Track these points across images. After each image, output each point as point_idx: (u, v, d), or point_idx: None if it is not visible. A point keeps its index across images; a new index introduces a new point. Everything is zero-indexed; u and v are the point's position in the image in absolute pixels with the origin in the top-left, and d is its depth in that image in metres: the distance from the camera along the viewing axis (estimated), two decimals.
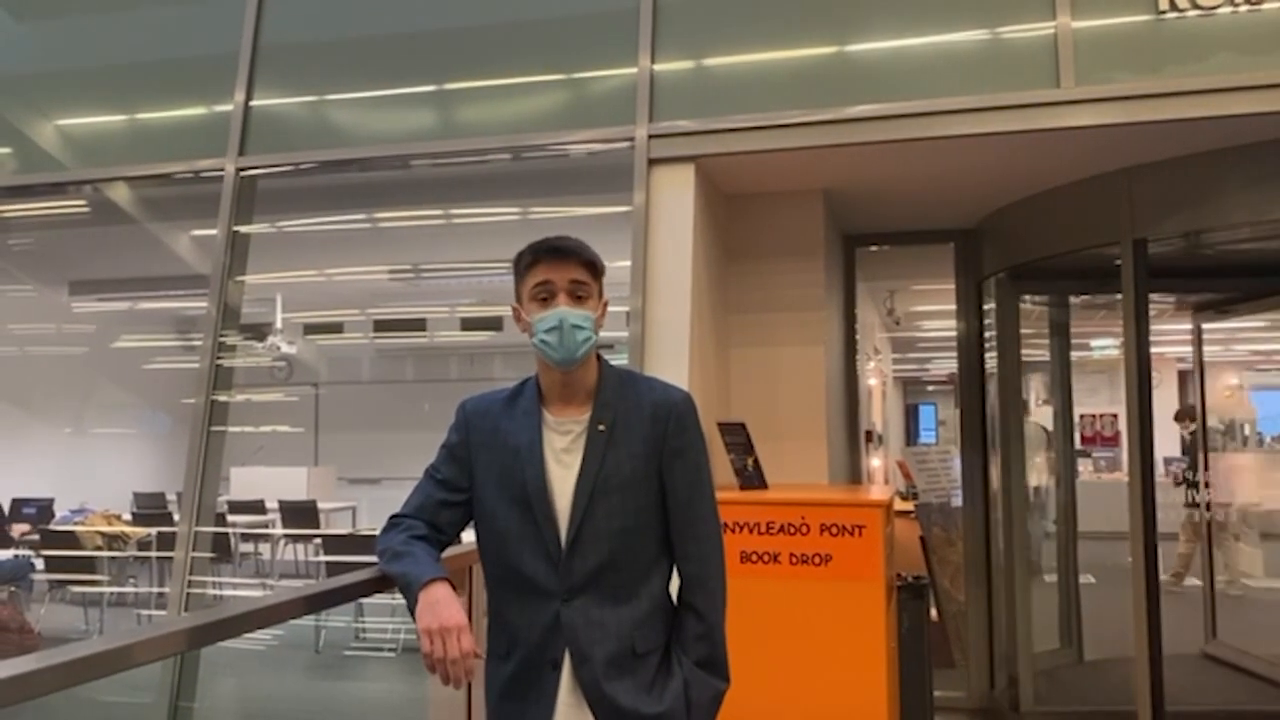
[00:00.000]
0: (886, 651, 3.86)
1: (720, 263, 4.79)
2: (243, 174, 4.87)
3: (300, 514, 9.55)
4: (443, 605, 1.96)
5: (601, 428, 2.11)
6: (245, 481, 11.39)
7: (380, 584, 2.22)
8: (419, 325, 12.05)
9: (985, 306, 5.75)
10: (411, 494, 2.26)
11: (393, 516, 2.23)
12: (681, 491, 2.14)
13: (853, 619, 3.82)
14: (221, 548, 8.90)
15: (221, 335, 4.71)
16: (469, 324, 12.13)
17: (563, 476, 2.10)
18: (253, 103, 4.97)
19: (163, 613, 7.92)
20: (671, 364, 4.22)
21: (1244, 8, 3.90)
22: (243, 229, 4.86)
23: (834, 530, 3.87)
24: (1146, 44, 3.99)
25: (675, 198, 4.34)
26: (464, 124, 4.83)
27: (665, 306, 4.26)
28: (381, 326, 11.95)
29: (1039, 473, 6.67)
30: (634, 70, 4.47)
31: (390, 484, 12.70)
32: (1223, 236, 4.64)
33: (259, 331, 10.68)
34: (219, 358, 4.68)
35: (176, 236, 7.08)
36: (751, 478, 4.23)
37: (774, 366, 4.80)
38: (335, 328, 12.02)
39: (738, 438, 4.27)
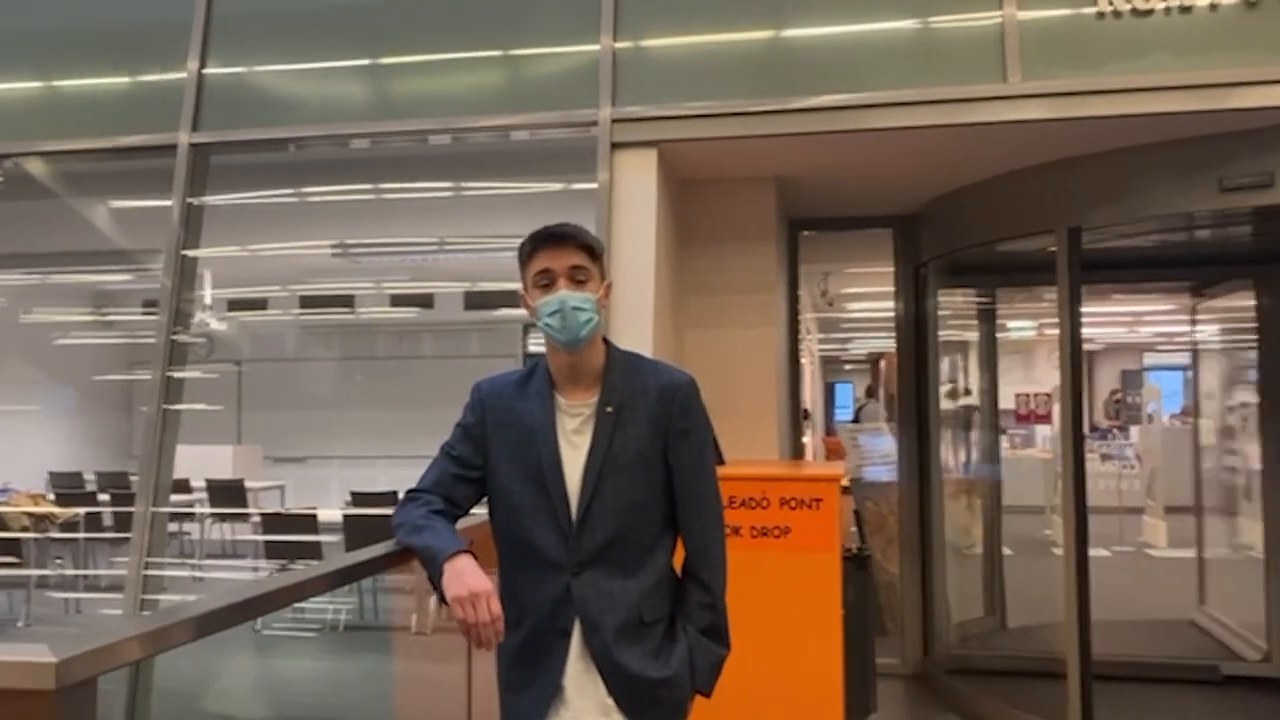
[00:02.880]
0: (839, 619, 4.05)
1: (676, 245, 4.91)
2: (196, 147, 4.81)
3: (228, 493, 9.42)
4: (469, 574, 2.05)
5: (609, 410, 2.22)
6: None
7: (401, 557, 2.30)
8: (347, 302, 11.93)
9: (923, 289, 5.99)
10: (428, 469, 2.34)
11: (410, 491, 2.32)
12: (686, 471, 2.26)
13: (810, 588, 4.00)
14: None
15: (180, 309, 4.67)
16: (399, 301, 12.05)
17: (573, 456, 2.21)
18: (206, 70, 4.90)
19: (100, 595, 7.78)
20: (635, 345, 4.27)
21: (1175, 11, 4.15)
22: (196, 201, 4.82)
23: (793, 504, 4.04)
24: (1088, 42, 4.21)
25: (638, 182, 4.43)
26: (426, 101, 4.84)
27: (629, 288, 4.36)
28: (309, 303, 11.79)
29: (967, 449, 6.98)
30: (596, 48, 4.54)
31: (316, 463, 12.57)
32: (1147, 227, 4.92)
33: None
34: (174, 333, 4.64)
35: (95, 210, 6.92)
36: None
37: (728, 347, 4.94)
38: (260, 304, 11.82)
39: None
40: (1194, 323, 8.47)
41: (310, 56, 4.95)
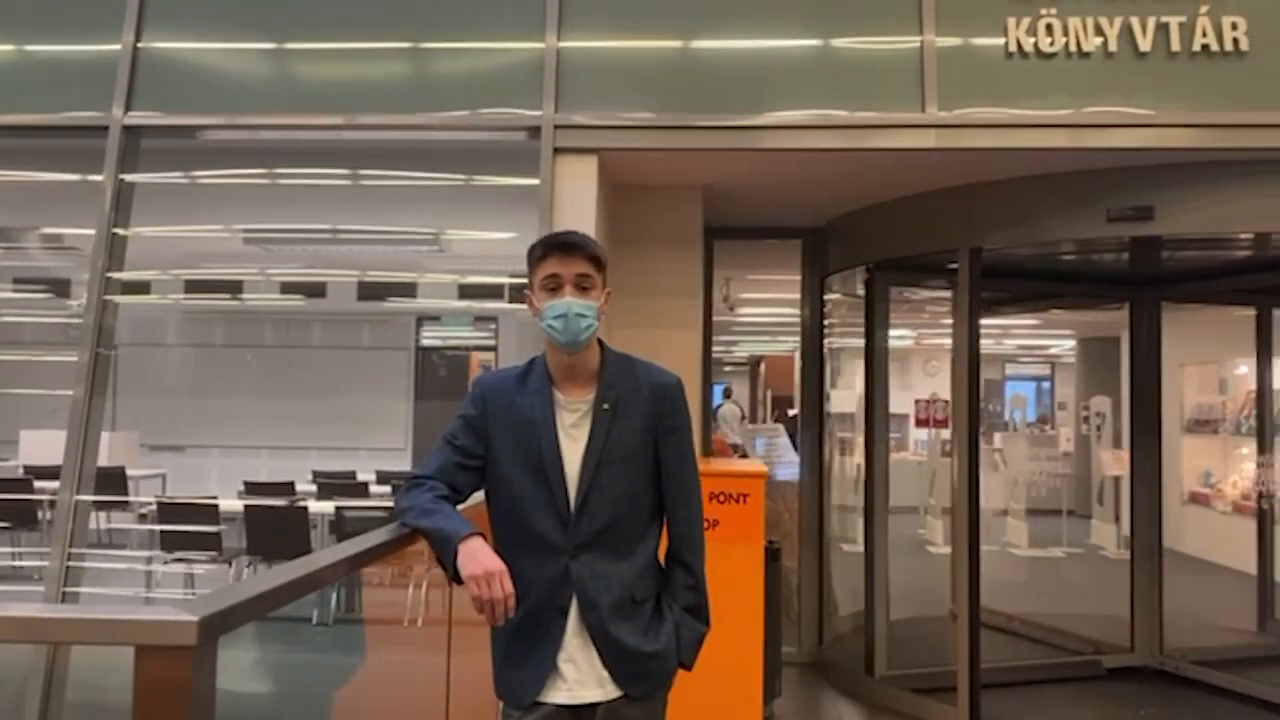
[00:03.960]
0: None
1: (607, 247, 5.10)
2: (128, 129, 4.76)
3: (108, 480, 9.14)
4: (483, 554, 2.22)
5: (606, 406, 2.42)
6: (37, 445, 10.74)
7: (410, 540, 2.44)
8: (235, 288, 11.68)
9: (826, 298, 6.35)
10: (430, 458, 2.49)
11: (414, 477, 2.46)
12: (674, 463, 2.48)
13: (737, 578, 4.26)
14: (29, 516, 8.47)
15: (106, 294, 4.62)
16: (289, 288, 11.84)
17: (572, 448, 2.40)
18: (140, 45, 4.85)
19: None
20: None
21: (1075, 56, 4.57)
22: (129, 178, 4.78)
23: (722, 498, 4.30)
24: (998, 79, 4.60)
25: (579, 186, 4.62)
26: (373, 93, 4.89)
27: None
28: (194, 288, 11.49)
29: (857, 451, 7.38)
30: (540, 45, 4.68)
31: (196, 451, 12.26)
32: (1040, 250, 5.36)
33: (61, 288, 10.10)
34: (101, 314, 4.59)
35: None
36: None
37: (655, 348, 5.13)
38: (142, 288, 11.46)
39: None
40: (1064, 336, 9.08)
41: (246, 40, 4.94)
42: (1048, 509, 11.54)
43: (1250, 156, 4.53)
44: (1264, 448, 7.20)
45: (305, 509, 7.13)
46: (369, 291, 11.64)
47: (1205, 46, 4.50)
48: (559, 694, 2.34)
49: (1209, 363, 10.94)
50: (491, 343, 13.00)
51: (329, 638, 7.03)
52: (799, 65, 4.75)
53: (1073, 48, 4.56)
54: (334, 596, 7.25)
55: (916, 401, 5.82)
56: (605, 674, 2.35)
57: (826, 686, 5.98)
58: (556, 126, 4.62)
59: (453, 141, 4.94)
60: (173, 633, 1.36)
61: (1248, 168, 4.55)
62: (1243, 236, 4.95)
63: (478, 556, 2.21)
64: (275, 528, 7.17)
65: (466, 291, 11.61)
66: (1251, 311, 7.09)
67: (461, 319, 13.04)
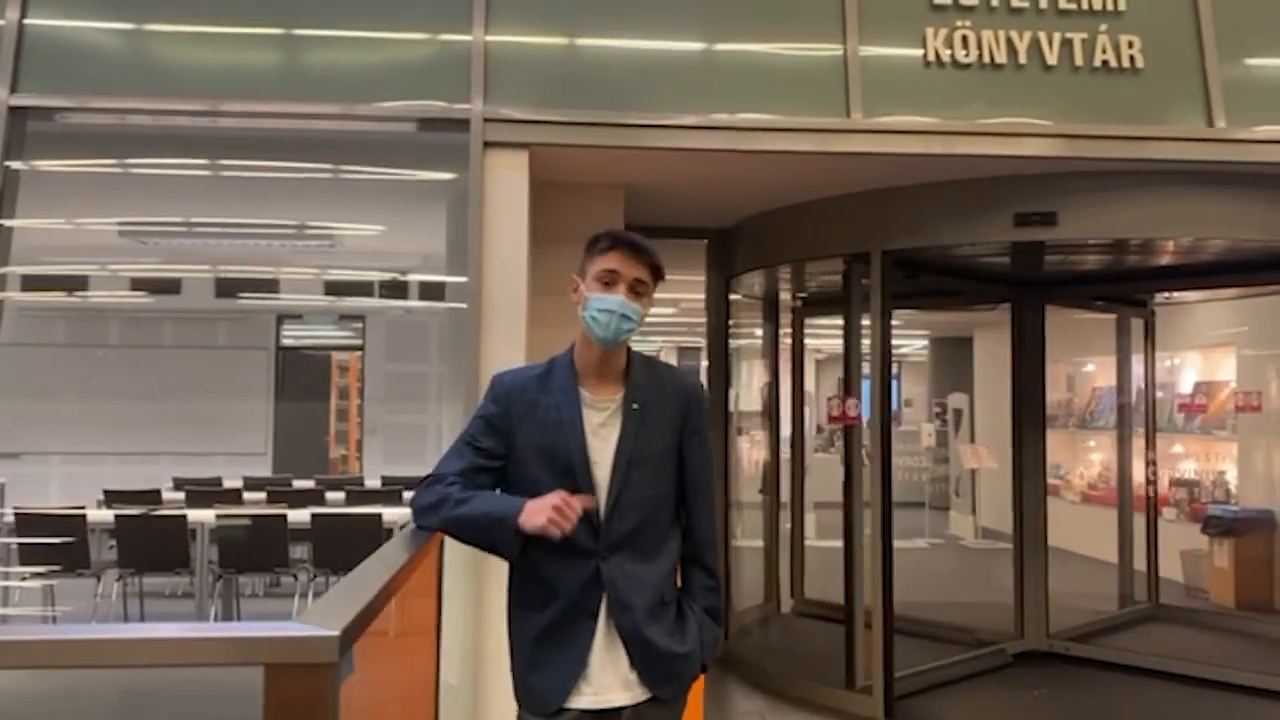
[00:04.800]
0: None
1: (529, 246, 5.02)
2: (14, 110, 4.39)
3: None
4: (538, 503, 2.20)
5: (635, 407, 2.38)
6: None
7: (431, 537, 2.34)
8: (79, 284, 10.92)
9: (731, 298, 6.44)
10: (447, 459, 2.39)
11: (433, 477, 2.35)
12: (698, 465, 2.46)
13: None
14: None
15: None
16: (139, 284, 11.17)
17: (600, 449, 2.35)
18: (28, 21, 4.47)
19: None
20: (508, 345, 4.44)
21: (988, 68, 4.77)
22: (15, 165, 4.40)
23: None
24: (917, 86, 4.76)
25: (509, 182, 4.52)
26: (285, 80, 4.66)
27: (500, 287, 4.46)
28: (32, 285, 10.69)
29: (761, 450, 7.53)
30: (467, 39, 4.56)
31: (34, 459, 11.40)
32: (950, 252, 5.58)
33: None
34: None
35: None
36: None
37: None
38: None
39: None
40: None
41: (155, 20, 4.64)
42: (910, 501, 12.05)
43: (1145, 167, 4.84)
44: (1151, 443, 7.67)
45: (184, 518, 6.74)
46: (227, 288, 11.11)
47: (1105, 63, 4.77)
48: (583, 699, 2.29)
49: (1057, 361, 11.62)
50: (358, 343, 12.60)
51: None
52: (730, 67, 4.79)
53: (986, 59, 4.76)
54: (213, 607, 6.88)
55: (828, 399, 5.96)
56: (632, 676, 2.31)
57: (733, 678, 6.06)
58: (487, 120, 4.51)
59: (329, 132, 4.76)
60: (313, 649, 1.27)
61: (1144, 178, 4.85)
62: (1134, 241, 5.28)
63: (535, 508, 2.19)
64: (149, 539, 6.74)
65: (334, 288, 11.22)
66: (1113, 316, 7.60)
67: (325, 317, 12.59)
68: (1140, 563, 7.57)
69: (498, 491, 2.38)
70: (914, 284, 5.51)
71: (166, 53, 4.71)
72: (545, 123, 4.56)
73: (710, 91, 4.72)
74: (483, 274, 4.44)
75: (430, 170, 5.37)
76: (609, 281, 2.32)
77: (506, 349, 4.44)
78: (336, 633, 1.27)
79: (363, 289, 11.07)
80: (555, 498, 2.18)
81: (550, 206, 5.19)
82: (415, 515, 2.34)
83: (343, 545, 6.72)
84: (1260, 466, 8.23)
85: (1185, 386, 9.25)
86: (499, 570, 2.43)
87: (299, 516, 6.75)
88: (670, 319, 12.12)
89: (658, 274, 2.40)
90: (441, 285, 11.01)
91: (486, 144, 4.51)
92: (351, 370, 14.44)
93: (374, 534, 6.75)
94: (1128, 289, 6.98)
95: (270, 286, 10.76)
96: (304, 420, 12.74)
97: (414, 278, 9.38)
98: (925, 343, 15.33)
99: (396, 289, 11.39)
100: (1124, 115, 4.77)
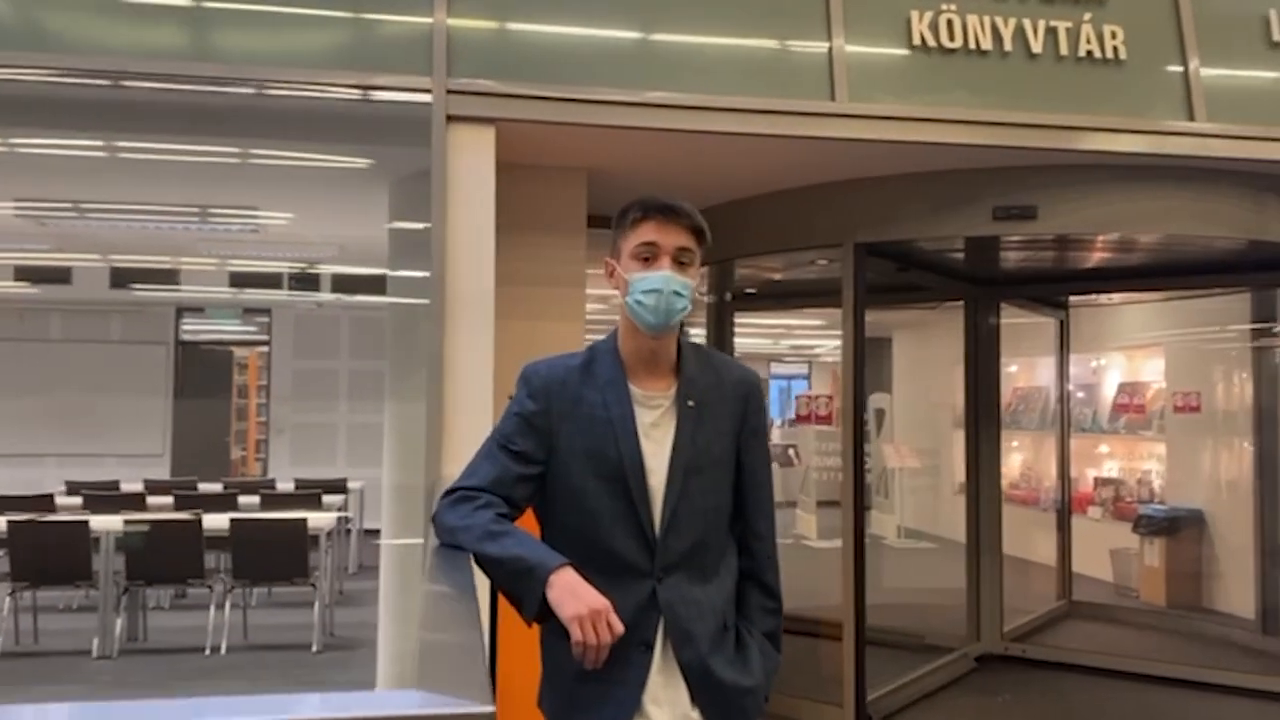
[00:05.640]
0: None
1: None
2: None
3: None
4: (583, 589, 1.82)
5: (691, 403, 2.07)
6: None
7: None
8: None
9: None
10: (477, 464, 2.04)
11: (463, 490, 1.99)
12: (759, 471, 2.17)
13: None
14: None
15: None
16: (24, 274, 10.38)
17: (654, 453, 2.04)
18: None
19: None
20: (477, 337, 4.10)
21: (974, 55, 4.61)
22: None
23: None
24: (903, 73, 4.56)
25: (475, 161, 4.16)
26: (227, 45, 4.20)
27: (466, 276, 4.10)
28: None
29: None
30: (428, 14, 4.19)
31: None
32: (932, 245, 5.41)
33: None
34: None
35: None
36: None
37: (539, 340, 4.75)
38: None
39: None
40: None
41: None
42: (831, 500, 11.99)
43: (1125, 161, 4.73)
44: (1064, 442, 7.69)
45: (86, 525, 6.16)
46: (122, 278, 10.38)
47: (1089, 53, 4.65)
48: None
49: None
50: (263, 338, 11.95)
51: (115, 674, 6.08)
52: (712, 48, 4.52)
53: (971, 45, 4.59)
54: (118, 622, 6.31)
55: (797, 398, 5.74)
56: (694, 715, 2.00)
57: None
58: (450, 92, 4.13)
59: (246, 107, 4.32)
60: None
61: (1124, 172, 4.75)
62: (1111, 237, 5.19)
63: (577, 592, 1.81)
64: (46, 548, 6.14)
65: (239, 279, 10.58)
66: (1054, 319, 7.61)
67: (228, 311, 11.89)
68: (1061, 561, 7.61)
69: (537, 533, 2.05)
70: (900, 277, 5.32)
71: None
72: (515, 96, 4.20)
73: (687, 71, 4.44)
74: (446, 262, 4.06)
75: (359, 151, 4.98)
76: (649, 257, 2.03)
77: (475, 343, 4.09)
78: (491, 708, 0.95)
79: (271, 280, 10.48)
80: (601, 602, 1.81)
81: (511, 191, 4.83)
82: (438, 533, 2.00)
83: (265, 554, 6.25)
84: (1188, 466, 8.35)
85: (1110, 388, 9.36)
86: None
87: (216, 523, 6.24)
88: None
89: (701, 237, 2.11)
90: (356, 277, 10.52)
91: (450, 118, 4.13)
92: (251, 367, 13.75)
93: (298, 542, 6.31)
94: (1095, 288, 6.97)
95: (169, 277, 10.09)
96: (204, 420, 12.04)
97: (337, 269, 8.87)
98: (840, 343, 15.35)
99: (307, 281, 10.81)
100: (1108, 107, 4.65)
